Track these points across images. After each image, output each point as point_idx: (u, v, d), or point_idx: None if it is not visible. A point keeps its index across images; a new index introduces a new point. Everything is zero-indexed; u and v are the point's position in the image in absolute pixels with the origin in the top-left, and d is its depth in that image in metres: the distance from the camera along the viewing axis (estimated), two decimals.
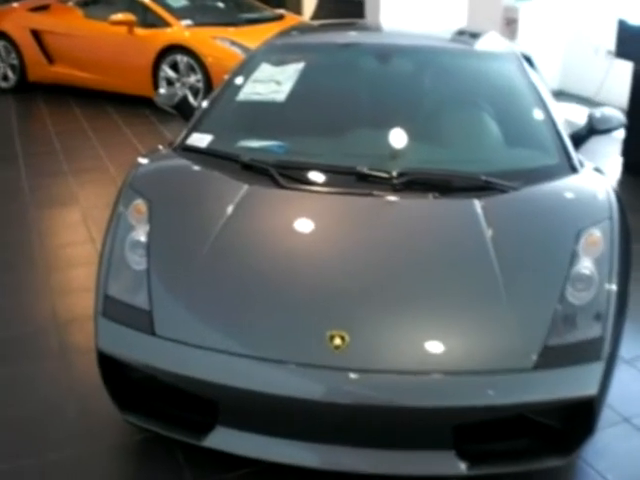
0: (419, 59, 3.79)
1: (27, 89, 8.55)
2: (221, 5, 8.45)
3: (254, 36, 7.16)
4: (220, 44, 7.15)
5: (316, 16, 10.89)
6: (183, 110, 3.93)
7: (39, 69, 8.31)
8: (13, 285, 4.18)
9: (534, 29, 8.06)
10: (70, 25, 8.08)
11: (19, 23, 8.41)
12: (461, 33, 4.56)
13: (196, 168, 3.10)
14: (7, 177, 5.94)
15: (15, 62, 8.44)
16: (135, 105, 7.77)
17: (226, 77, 3.82)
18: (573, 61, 8.14)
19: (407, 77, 3.68)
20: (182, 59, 7.24)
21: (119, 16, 7.50)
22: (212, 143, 3.26)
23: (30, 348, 3.56)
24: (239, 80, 3.69)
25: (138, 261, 2.68)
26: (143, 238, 2.74)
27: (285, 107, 3.50)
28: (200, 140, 3.29)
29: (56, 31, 8.13)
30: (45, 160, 6.36)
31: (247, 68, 3.77)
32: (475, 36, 4.14)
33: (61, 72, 8.18)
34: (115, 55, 7.70)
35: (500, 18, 8.17)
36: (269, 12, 8.42)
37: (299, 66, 3.68)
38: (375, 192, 2.85)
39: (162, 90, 4.18)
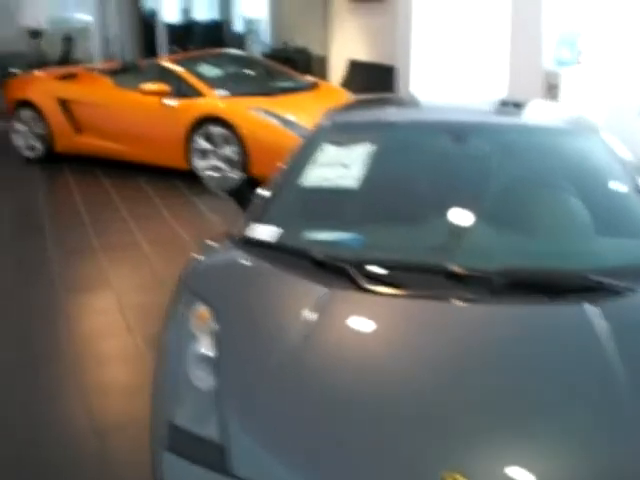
0: (494, 137, 3.46)
1: (54, 159, 8.30)
2: (254, 74, 8.23)
3: (290, 106, 6.95)
4: (255, 115, 6.87)
5: (346, 82, 10.71)
6: (239, 196, 3.58)
7: (67, 139, 8.07)
8: (42, 383, 3.79)
9: (575, 94, 7.76)
10: (99, 94, 7.86)
11: (46, 92, 8.20)
12: (505, 104, 4.28)
13: (263, 266, 2.73)
14: (32, 254, 5.63)
15: (42, 132, 8.21)
16: (167, 176, 7.50)
17: (286, 160, 3.49)
18: (616, 124, 7.81)
19: (485, 158, 3.33)
20: (217, 130, 6.95)
21: (151, 86, 7.26)
22: (277, 236, 2.90)
23: (69, 459, 3.16)
24: (302, 164, 3.36)
25: (204, 379, 2.29)
26: (209, 352, 2.36)
27: (356, 193, 3.15)
28: (263, 232, 2.93)
29: (84, 100, 7.91)
30: (73, 234, 6.05)
31: (309, 150, 3.44)
32: (522, 106, 3.91)
33: (90, 143, 7.93)
34: (147, 126, 7.45)
35: (541, 84, 7.88)
36: (303, 80, 8.19)
37: (366, 147, 3.34)
38: (470, 295, 2.47)
39: (212, 173, 3.82)
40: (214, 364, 2.32)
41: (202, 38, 14.16)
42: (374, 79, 10.19)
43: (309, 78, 8.29)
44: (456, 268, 2.57)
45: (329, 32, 11.59)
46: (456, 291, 2.50)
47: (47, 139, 8.19)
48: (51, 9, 13.13)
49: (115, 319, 4.49)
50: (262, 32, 14.35)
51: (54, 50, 11.98)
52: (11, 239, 5.97)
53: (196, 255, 2.94)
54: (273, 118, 6.84)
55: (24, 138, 8.38)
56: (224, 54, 8.97)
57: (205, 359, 2.35)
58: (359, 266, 2.60)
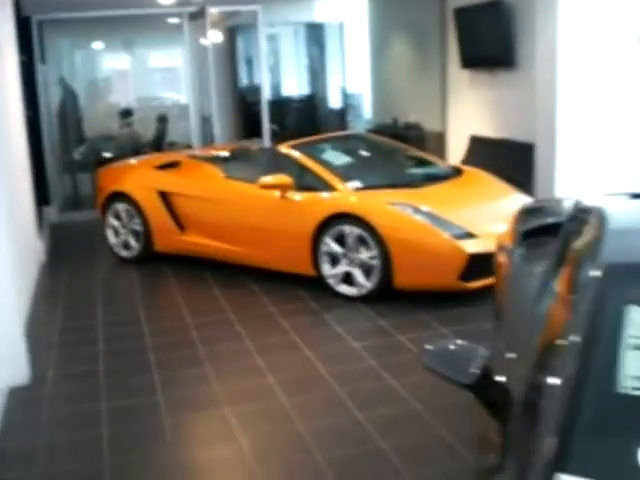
0: None
1: (152, 259, 7.17)
2: (388, 160, 6.96)
3: (437, 198, 5.71)
4: (400, 212, 5.58)
5: (468, 160, 9.39)
6: (481, 388, 2.21)
7: (168, 237, 6.92)
8: None
9: None
10: (207, 187, 6.71)
11: (144, 183, 7.10)
12: None
13: None
14: (134, 386, 4.42)
15: (139, 228, 7.09)
16: (286, 283, 6.22)
17: (563, 330, 2.10)
18: None
19: None
20: (351, 230, 5.67)
21: (271, 179, 6.05)
22: None
23: None
24: (603, 342, 1.96)
25: None
26: None
27: None
28: None
29: (189, 193, 6.77)
30: (182, 361, 4.78)
31: (604, 316, 2.04)
32: None
33: (195, 242, 6.74)
34: (264, 224, 6.24)
35: None
36: (444, 166, 6.91)
37: None
38: None
39: (429, 346, 2.44)
40: None
41: (297, 115, 13.31)
42: (504, 157, 8.85)
43: (449, 163, 7.01)
44: None
45: (446, 106, 10.34)
46: None
47: (145, 236, 7.06)
48: (142, 88, 12.39)
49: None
50: (362, 107, 13.36)
51: (147, 132, 11.04)
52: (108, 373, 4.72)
53: None
54: (420, 215, 5.54)
55: (118, 235, 7.28)
56: (351, 137, 7.88)
57: None
58: None
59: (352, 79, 13.16)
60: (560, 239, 3.07)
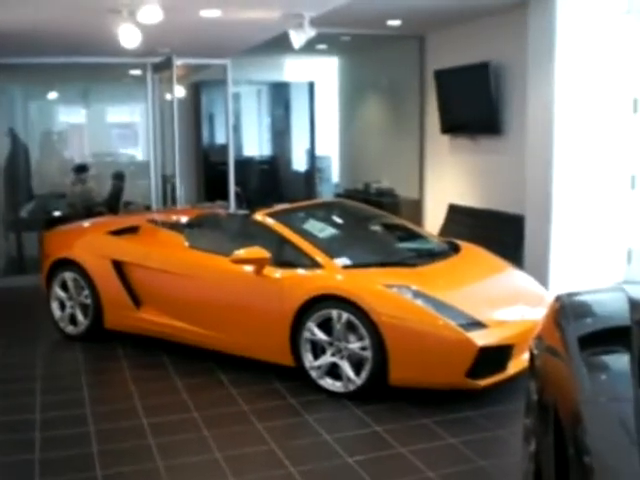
0: None
1: (102, 338, 6.12)
2: (377, 233, 6.07)
3: (439, 281, 4.95)
4: (398, 295, 4.70)
5: (446, 231, 8.67)
6: None
7: (121, 314, 5.89)
8: None
9: None
10: (169, 257, 5.74)
11: (96, 250, 6.10)
12: None
13: None
14: None
15: (88, 302, 6.05)
16: (259, 373, 5.26)
17: None
18: None
19: None
20: (339, 315, 4.74)
21: (245, 252, 5.10)
22: None
23: None
24: None
25: None
26: None
27: None
28: None
29: (148, 264, 5.78)
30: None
31: None
32: None
33: (153, 321, 5.73)
34: (235, 304, 5.29)
35: None
36: (438, 241, 6.08)
37: None
38: None
39: None
40: None
41: (260, 177, 12.62)
42: (487, 229, 8.14)
43: (443, 238, 6.19)
44: None
45: (424, 172, 9.68)
46: None
47: (94, 311, 6.03)
48: (99, 143, 11.48)
49: None
50: (330, 170, 12.70)
51: (102, 190, 10.09)
52: None
53: None
54: (421, 300, 4.67)
55: (64, 308, 6.24)
56: (332, 205, 6.97)
57: None
58: None
59: (321, 141, 12.49)
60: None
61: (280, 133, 12.96)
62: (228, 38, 7.63)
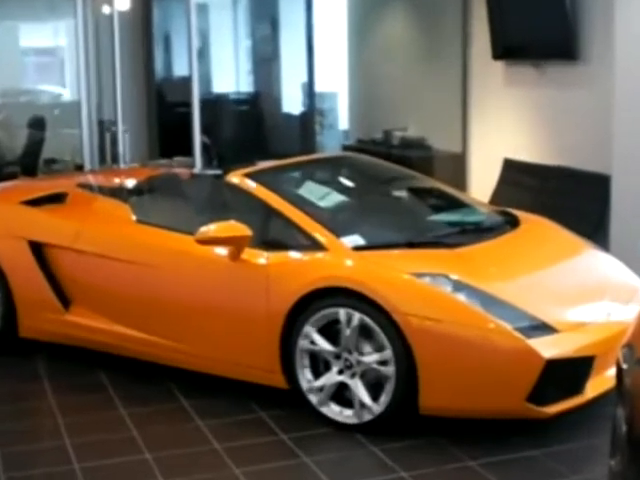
0: None
1: (16, 350, 6.32)
2: (401, 202, 6.33)
3: (489, 268, 5.18)
4: (431, 288, 4.84)
5: (499, 194, 8.99)
6: None
7: (43, 317, 6.08)
8: None
9: None
10: (109, 237, 5.94)
11: (5, 227, 6.35)
12: None
13: None
14: None
15: None
16: (233, 394, 5.45)
17: None
18: None
19: None
20: (349, 316, 4.87)
21: (215, 229, 5.21)
22: None
23: None
24: None
25: None
26: None
27: None
28: None
29: (80, 247, 5.93)
30: None
31: None
32: None
33: (87, 326, 5.91)
34: (201, 301, 5.48)
35: None
36: (486, 210, 6.28)
37: None
38: None
39: None
40: None
41: (237, 122, 13.28)
42: (559, 195, 8.43)
43: (496, 209, 6.41)
44: None
45: (468, 115, 9.97)
46: None
47: (5, 314, 6.22)
48: (8, 77, 11.77)
49: None
50: (336, 114, 13.14)
51: (14, 142, 10.43)
52: None
53: None
54: (464, 294, 4.81)
55: None
56: (339, 161, 7.17)
57: None
58: None
59: (322, 72, 12.86)
60: None
61: (265, 61, 13.41)
62: None
